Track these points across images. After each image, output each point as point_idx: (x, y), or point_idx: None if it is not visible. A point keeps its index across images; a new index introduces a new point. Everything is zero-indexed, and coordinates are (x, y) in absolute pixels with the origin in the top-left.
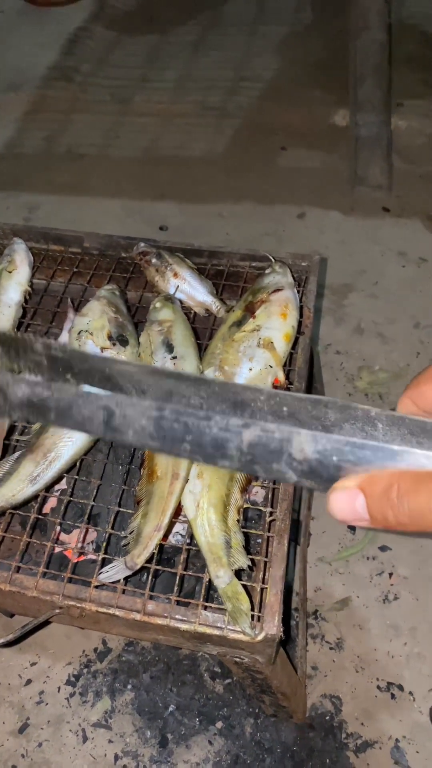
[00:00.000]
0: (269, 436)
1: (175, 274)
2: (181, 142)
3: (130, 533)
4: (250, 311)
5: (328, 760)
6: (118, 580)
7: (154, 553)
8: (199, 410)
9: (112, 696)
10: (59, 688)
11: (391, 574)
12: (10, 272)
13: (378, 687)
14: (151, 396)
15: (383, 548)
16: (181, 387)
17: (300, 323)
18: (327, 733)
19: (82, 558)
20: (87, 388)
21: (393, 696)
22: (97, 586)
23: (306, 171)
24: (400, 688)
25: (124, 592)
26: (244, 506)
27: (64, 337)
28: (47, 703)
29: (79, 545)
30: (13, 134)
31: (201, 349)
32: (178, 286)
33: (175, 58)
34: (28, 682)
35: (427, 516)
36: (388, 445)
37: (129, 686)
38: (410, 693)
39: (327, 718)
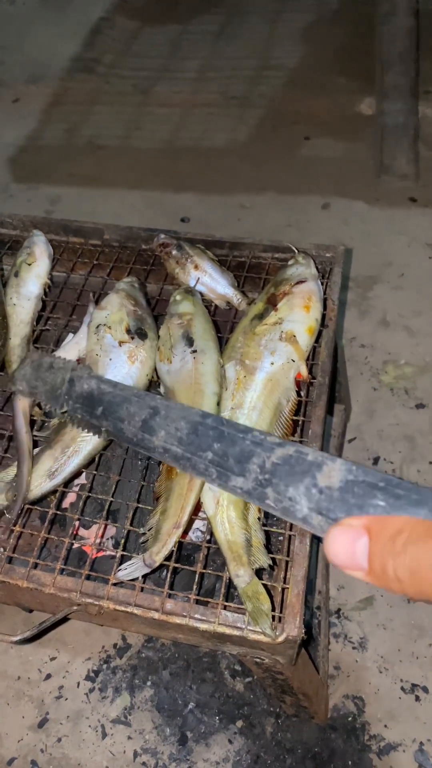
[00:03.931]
0: (300, 456)
1: (196, 266)
2: (203, 133)
3: (148, 530)
4: (272, 304)
5: (350, 762)
6: (137, 578)
7: (173, 551)
8: (239, 426)
9: (132, 692)
10: (78, 683)
11: None
12: (29, 264)
13: (402, 688)
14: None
15: None
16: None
17: (324, 316)
18: (349, 735)
19: (101, 554)
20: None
21: (417, 698)
22: (115, 584)
23: (330, 161)
24: (425, 690)
25: (142, 589)
26: None
27: (83, 331)
28: (66, 698)
29: (98, 541)
30: (35, 126)
31: (222, 343)
32: (198, 279)
33: (197, 48)
34: (48, 676)
35: (424, 573)
36: (426, 488)
37: (148, 683)
38: None
39: (349, 719)
